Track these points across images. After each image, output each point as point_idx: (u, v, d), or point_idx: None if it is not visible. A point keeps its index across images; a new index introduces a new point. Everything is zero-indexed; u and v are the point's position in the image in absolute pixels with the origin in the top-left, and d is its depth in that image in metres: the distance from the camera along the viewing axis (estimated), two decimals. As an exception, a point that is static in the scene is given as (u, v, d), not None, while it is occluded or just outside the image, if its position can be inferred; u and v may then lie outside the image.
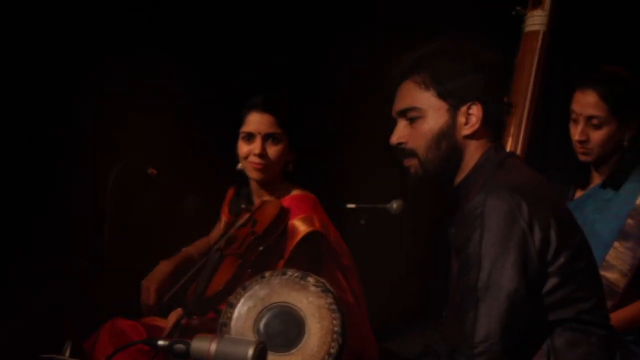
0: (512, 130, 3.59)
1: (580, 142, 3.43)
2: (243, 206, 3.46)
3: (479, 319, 2.48)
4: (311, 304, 2.73)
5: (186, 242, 3.64)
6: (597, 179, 3.51)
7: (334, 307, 2.74)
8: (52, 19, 4.20)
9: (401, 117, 2.72)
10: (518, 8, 3.67)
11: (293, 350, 2.69)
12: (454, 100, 2.66)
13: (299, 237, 3.30)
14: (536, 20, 3.65)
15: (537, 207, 2.52)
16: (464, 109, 2.66)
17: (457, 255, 2.60)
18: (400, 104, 2.72)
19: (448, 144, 2.66)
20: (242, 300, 2.75)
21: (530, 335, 2.54)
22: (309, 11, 4.48)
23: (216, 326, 2.76)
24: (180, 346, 2.28)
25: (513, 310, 2.47)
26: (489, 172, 2.64)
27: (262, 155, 3.37)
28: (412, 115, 2.69)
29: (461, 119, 2.66)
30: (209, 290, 3.04)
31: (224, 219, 3.64)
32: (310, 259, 3.28)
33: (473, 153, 2.68)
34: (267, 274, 2.80)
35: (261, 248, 3.18)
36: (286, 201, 3.40)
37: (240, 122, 3.45)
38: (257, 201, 3.47)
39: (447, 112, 2.67)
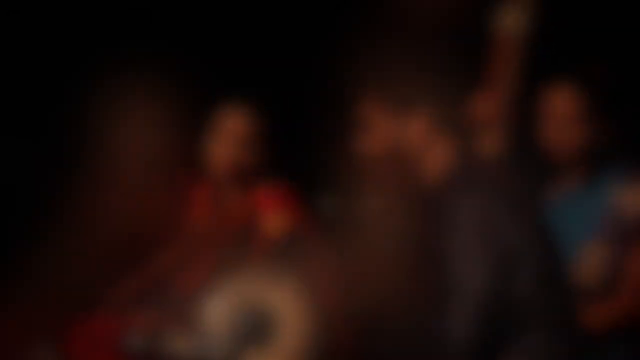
0: (488, 130, 3.61)
1: (556, 141, 3.45)
2: (218, 202, 3.46)
3: (452, 320, 2.50)
4: (288, 302, 2.74)
5: (160, 242, 3.64)
6: (572, 179, 3.52)
7: (310, 305, 2.76)
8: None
9: (358, 125, 2.73)
10: (493, 8, 3.69)
11: (268, 349, 2.70)
12: (400, 106, 2.66)
13: (275, 232, 3.30)
14: (512, 20, 3.66)
15: (506, 206, 2.54)
16: (413, 114, 2.65)
17: (431, 256, 2.61)
18: (355, 112, 2.73)
19: (401, 151, 2.67)
20: (216, 298, 2.76)
21: (504, 334, 2.56)
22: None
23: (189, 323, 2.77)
24: (153, 346, 2.29)
25: (486, 310, 2.49)
26: (456, 174, 2.65)
27: (236, 154, 3.36)
28: (364, 124, 2.69)
29: (410, 126, 2.66)
30: (185, 289, 3.05)
31: (197, 216, 3.63)
32: (285, 254, 3.28)
33: (433, 158, 2.68)
34: (243, 271, 2.81)
35: (237, 244, 3.19)
36: (260, 193, 3.38)
37: (216, 114, 3.40)
38: (230, 196, 3.46)
39: (396, 120, 2.67)
